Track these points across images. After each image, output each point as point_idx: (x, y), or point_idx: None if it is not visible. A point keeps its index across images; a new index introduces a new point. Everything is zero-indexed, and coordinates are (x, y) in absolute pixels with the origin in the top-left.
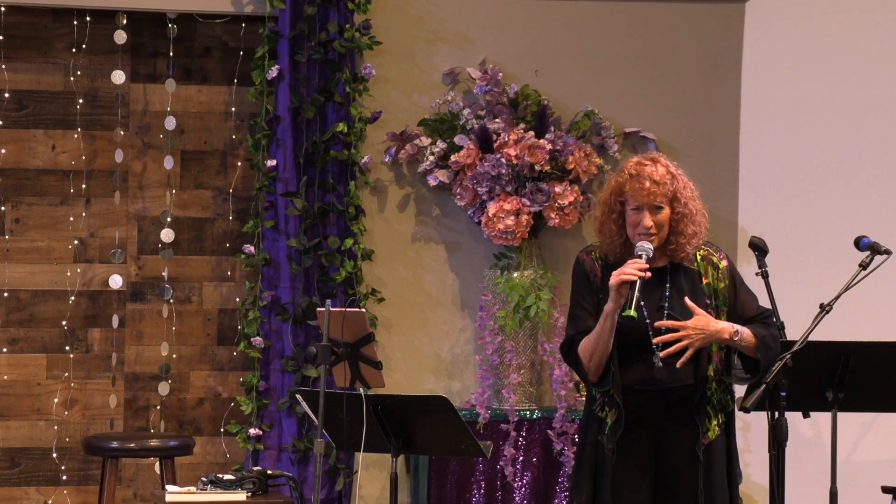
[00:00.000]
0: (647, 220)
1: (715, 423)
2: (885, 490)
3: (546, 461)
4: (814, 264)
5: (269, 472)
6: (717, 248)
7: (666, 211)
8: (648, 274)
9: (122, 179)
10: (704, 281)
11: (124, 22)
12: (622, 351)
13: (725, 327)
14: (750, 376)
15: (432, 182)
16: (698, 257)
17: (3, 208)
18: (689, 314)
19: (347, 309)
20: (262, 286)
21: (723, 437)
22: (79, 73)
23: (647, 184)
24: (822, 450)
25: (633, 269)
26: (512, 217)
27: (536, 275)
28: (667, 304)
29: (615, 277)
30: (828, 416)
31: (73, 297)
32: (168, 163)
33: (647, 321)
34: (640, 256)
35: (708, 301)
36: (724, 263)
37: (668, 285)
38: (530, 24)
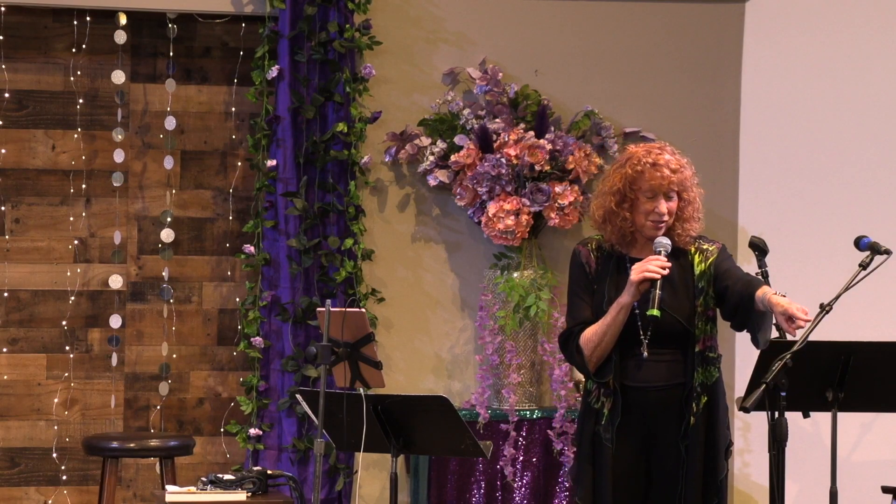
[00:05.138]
0: (663, 207)
1: (695, 407)
2: (885, 490)
3: (546, 461)
4: (814, 264)
5: (269, 472)
6: (712, 241)
7: (675, 199)
8: (668, 271)
9: (122, 179)
10: (696, 271)
11: (124, 22)
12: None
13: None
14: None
15: (432, 182)
16: (692, 249)
17: (3, 208)
18: (679, 307)
19: (347, 309)
20: (262, 286)
21: (703, 417)
22: (79, 73)
23: (667, 172)
24: (822, 450)
25: (655, 267)
26: (512, 217)
27: (536, 275)
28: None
29: (637, 273)
30: (828, 416)
31: (73, 297)
32: (168, 163)
33: (637, 312)
34: (658, 253)
35: (695, 290)
36: (714, 247)
37: (670, 283)
38: (530, 24)
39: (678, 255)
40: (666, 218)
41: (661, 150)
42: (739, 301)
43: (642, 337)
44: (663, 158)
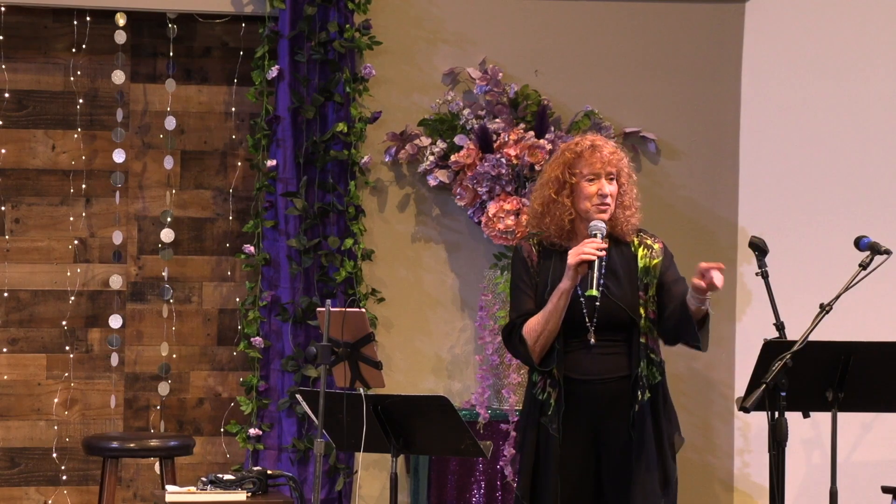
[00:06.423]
0: (605, 188)
1: (640, 395)
2: (885, 490)
3: None
4: (814, 264)
5: (269, 472)
6: (653, 235)
7: (615, 183)
8: (604, 252)
9: (122, 179)
10: (640, 264)
11: (124, 22)
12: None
13: None
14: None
15: (432, 182)
16: (635, 241)
17: (3, 208)
18: (623, 294)
19: (347, 309)
20: (262, 286)
21: (646, 408)
22: (79, 73)
23: (606, 152)
24: (822, 450)
25: (591, 249)
26: (512, 217)
27: None
28: (601, 282)
29: (574, 256)
30: (828, 416)
31: (73, 297)
32: (168, 163)
33: (582, 300)
34: (594, 235)
35: (639, 281)
36: (658, 245)
37: (604, 263)
38: (530, 24)
39: (620, 246)
40: (609, 200)
41: (603, 139)
42: (678, 320)
43: (588, 324)
44: (601, 141)
